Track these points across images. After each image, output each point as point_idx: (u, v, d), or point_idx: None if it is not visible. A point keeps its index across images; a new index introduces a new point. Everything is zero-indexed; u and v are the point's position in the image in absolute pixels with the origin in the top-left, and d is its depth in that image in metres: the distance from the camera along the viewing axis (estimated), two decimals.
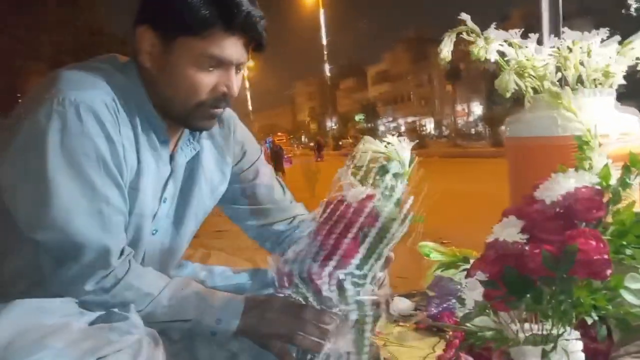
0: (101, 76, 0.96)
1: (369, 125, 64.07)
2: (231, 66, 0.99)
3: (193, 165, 1.12)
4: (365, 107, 65.76)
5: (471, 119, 49.09)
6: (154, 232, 1.08)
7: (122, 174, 0.96)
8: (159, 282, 1.00)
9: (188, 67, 0.97)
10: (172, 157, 1.07)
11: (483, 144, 27.24)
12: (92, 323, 0.93)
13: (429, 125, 57.85)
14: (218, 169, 1.17)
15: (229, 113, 1.17)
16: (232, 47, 0.97)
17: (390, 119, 65.91)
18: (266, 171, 1.25)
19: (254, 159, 1.24)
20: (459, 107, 51.31)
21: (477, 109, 48.23)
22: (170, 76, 0.98)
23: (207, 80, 0.98)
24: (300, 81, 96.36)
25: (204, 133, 1.12)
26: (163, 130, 1.03)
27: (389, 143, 0.99)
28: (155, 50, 0.97)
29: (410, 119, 60.24)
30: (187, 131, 1.09)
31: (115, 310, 0.95)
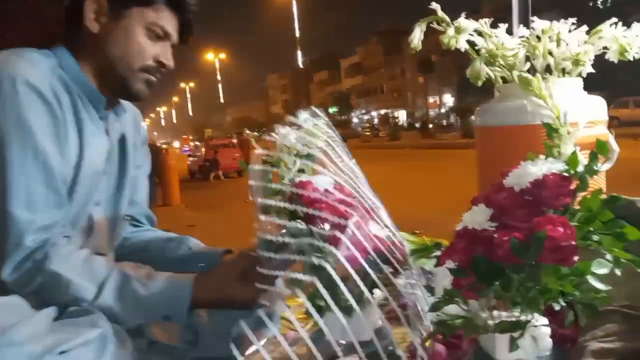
0: (31, 56, 1.02)
1: (343, 117, 64.26)
2: (169, 42, 1.12)
3: (122, 143, 1.19)
4: (338, 99, 65.96)
5: (443, 110, 49.61)
6: (98, 203, 1.12)
7: (59, 148, 0.97)
8: (96, 274, 0.97)
9: (139, 32, 1.07)
10: (106, 133, 1.13)
11: (455, 135, 27.58)
12: (56, 318, 0.91)
13: (402, 117, 58.25)
14: (134, 150, 1.25)
15: (135, 108, 1.29)
16: (172, 25, 1.11)
17: (364, 111, 66.20)
18: (147, 172, 1.35)
19: (146, 154, 1.34)
20: (430, 99, 51.82)
21: (449, 100, 48.78)
22: (120, 39, 1.07)
23: (152, 48, 1.10)
24: (274, 74, 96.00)
25: (120, 118, 1.19)
26: (102, 104, 1.09)
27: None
28: (105, 16, 1.06)
29: (383, 111, 60.57)
30: (112, 111, 1.15)
31: (81, 306, 0.92)
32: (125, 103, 1.20)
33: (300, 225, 0.89)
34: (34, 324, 0.85)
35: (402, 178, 11.29)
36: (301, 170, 0.94)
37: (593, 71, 1.27)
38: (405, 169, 13.44)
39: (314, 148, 0.93)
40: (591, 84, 1.33)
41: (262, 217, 0.90)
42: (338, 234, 0.83)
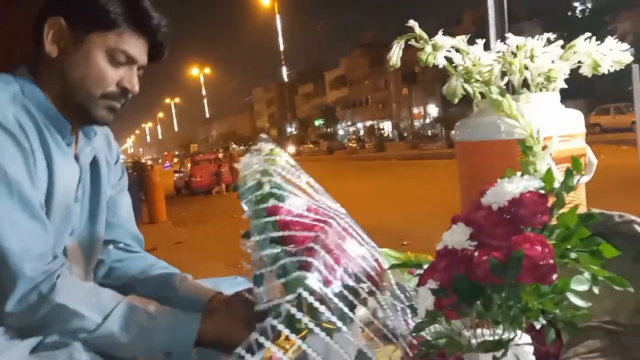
0: None
1: (329, 129, 64.42)
2: (135, 65, 1.08)
3: (94, 167, 1.17)
4: (324, 111, 66.16)
5: (427, 121, 49.97)
6: (71, 232, 1.10)
7: (30, 178, 0.96)
8: (103, 305, 0.96)
9: (100, 58, 1.03)
10: (76, 159, 1.11)
11: (440, 146, 27.78)
12: (32, 351, 0.89)
13: (387, 128, 58.50)
14: (108, 171, 1.23)
15: (105, 127, 1.23)
16: (139, 48, 1.07)
17: (350, 123, 66.43)
18: (126, 190, 1.32)
19: (122, 171, 1.31)
20: (415, 110, 52.17)
21: (433, 111, 49.13)
22: (80, 65, 1.03)
23: (114, 74, 1.05)
24: (259, 87, 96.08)
25: (92, 141, 1.16)
26: (68, 130, 1.06)
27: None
28: (65, 40, 1.02)
29: (368, 123, 60.83)
30: (81, 135, 1.13)
31: (57, 337, 0.90)
32: None
33: (276, 249, 0.89)
34: (10, 357, 0.83)
35: (389, 189, 11.32)
36: (272, 195, 0.93)
37: (566, 86, 1.28)
38: (393, 180, 13.48)
39: (275, 173, 0.93)
40: (574, 92, 1.34)
41: (245, 247, 0.89)
42: (309, 259, 0.83)
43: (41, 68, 1.04)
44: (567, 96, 1.33)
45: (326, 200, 1.01)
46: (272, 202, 0.92)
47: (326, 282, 0.87)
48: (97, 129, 1.17)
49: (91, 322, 0.93)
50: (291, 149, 52.42)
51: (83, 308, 0.94)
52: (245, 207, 0.92)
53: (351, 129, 65.06)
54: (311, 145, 53.82)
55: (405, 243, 5.01)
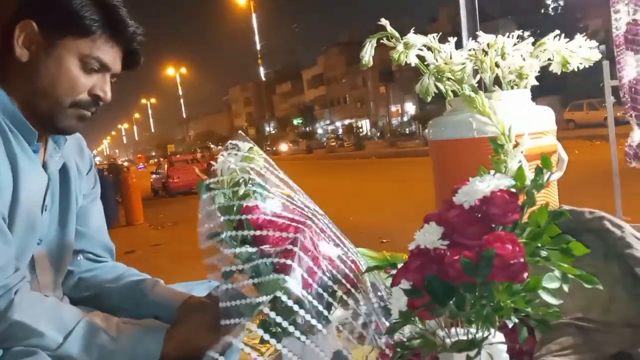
0: None
1: (308, 128, 64.46)
2: (108, 73, 1.05)
3: (64, 174, 1.13)
4: (302, 110, 66.18)
5: (405, 119, 50.32)
6: (39, 242, 1.07)
7: None
8: (63, 323, 0.94)
9: (72, 65, 1.00)
10: (44, 166, 1.08)
11: (417, 143, 28.00)
12: None
13: (365, 127, 58.72)
14: (80, 179, 1.20)
15: (77, 134, 1.21)
16: (113, 55, 1.04)
17: (328, 121, 66.55)
18: (98, 199, 1.29)
19: (95, 180, 1.28)
20: (393, 108, 52.47)
21: (411, 109, 49.46)
22: (51, 70, 0.99)
23: (86, 81, 1.02)
24: (236, 87, 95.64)
25: (61, 148, 1.13)
26: (35, 137, 1.03)
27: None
28: (37, 44, 0.99)
29: (347, 121, 61.00)
30: (51, 141, 1.09)
31: (22, 347, 0.88)
32: None
33: (250, 249, 0.87)
34: None
35: (368, 187, 11.36)
36: (247, 195, 0.92)
37: (537, 83, 1.29)
38: (372, 178, 13.54)
39: (253, 172, 0.92)
40: (548, 89, 1.35)
41: (206, 244, 0.88)
42: (288, 261, 0.82)
43: (10, 72, 1.00)
44: (542, 93, 1.34)
45: (303, 199, 1.00)
46: (247, 200, 0.90)
47: (305, 286, 0.86)
48: (68, 137, 1.14)
49: (52, 341, 0.91)
50: (284, 147, 51.98)
51: (42, 326, 0.91)
52: (207, 201, 0.91)
53: (330, 127, 65.17)
54: (290, 144, 53.87)
55: (384, 241, 5.03)
